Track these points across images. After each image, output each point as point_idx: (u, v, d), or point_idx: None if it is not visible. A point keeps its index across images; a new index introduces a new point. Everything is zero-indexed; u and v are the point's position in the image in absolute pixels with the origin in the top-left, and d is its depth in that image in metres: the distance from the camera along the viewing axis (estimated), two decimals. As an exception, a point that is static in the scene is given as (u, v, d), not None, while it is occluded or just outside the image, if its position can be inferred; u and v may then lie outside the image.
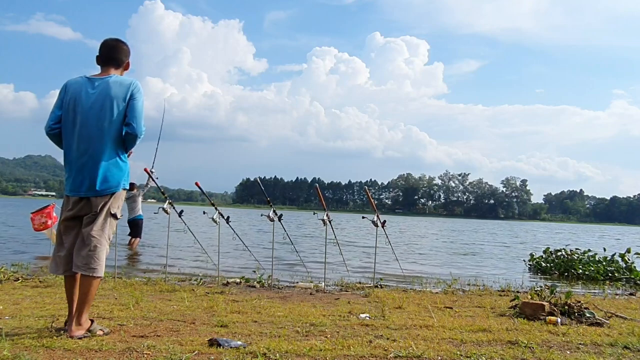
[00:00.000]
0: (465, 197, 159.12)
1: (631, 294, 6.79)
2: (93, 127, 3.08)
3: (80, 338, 2.97)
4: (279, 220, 6.33)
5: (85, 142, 3.09)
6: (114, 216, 3.17)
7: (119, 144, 3.18)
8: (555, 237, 31.41)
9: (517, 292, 6.15)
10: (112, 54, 3.26)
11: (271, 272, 6.44)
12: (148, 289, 5.40)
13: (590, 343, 3.43)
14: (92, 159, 3.09)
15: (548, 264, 10.02)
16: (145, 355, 2.73)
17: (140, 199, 11.18)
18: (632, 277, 8.56)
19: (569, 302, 4.41)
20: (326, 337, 3.35)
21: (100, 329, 3.15)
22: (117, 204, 3.21)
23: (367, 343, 3.19)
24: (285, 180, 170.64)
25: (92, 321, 3.13)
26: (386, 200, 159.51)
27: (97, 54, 3.26)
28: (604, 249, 10.36)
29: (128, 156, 3.31)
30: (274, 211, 6.23)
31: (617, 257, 9.48)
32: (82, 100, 3.10)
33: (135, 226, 11.07)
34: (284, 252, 10.38)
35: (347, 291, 6.02)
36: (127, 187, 3.27)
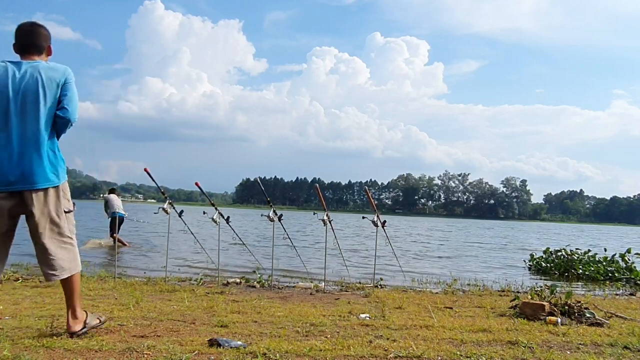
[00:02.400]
0: (465, 197, 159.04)
1: (631, 294, 6.79)
2: (25, 114, 2.78)
3: (80, 331, 2.98)
4: (279, 220, 6.33)
5: (16, 130, 2.76)
6: (69, 212, 2.96)
7: (52, 131, 2.89)
8: (556, 237, 31.38)
9: (517, 292, 6.15)
10: (31, 41, 2.92)
11: (271, 272, 6.44)
12: (148, 289, 5.40)
13: (590, 343, 3.43)
14: (27, 148, 2.77)
15: (548, 264, 10.02)
16: (145, 355, 2.74)
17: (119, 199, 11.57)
18: (632, 277, 8.56)
19: (569, 302, 4.41)
20: (326, 337, 3.35)
21: (97, 317, 3.19)
22: (67, 196, 2.96)
23: (367, 343, 3.19)
24: (285, 180, 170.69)
25: (86, 312, 3.14)
26: (386, 201, 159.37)
27: (14, 41, 2.93)
28: (605, 249, 10.36)
29: None
30: (274, 211, 6.23)
31: (617, 257, 9.48)
32: (10, 85, 2.77)
33: (114, 223, 11.17)
34: (284, 252, 10.37)
35: (347, 291, 6.02)
36: (66, 179, 3.00)
